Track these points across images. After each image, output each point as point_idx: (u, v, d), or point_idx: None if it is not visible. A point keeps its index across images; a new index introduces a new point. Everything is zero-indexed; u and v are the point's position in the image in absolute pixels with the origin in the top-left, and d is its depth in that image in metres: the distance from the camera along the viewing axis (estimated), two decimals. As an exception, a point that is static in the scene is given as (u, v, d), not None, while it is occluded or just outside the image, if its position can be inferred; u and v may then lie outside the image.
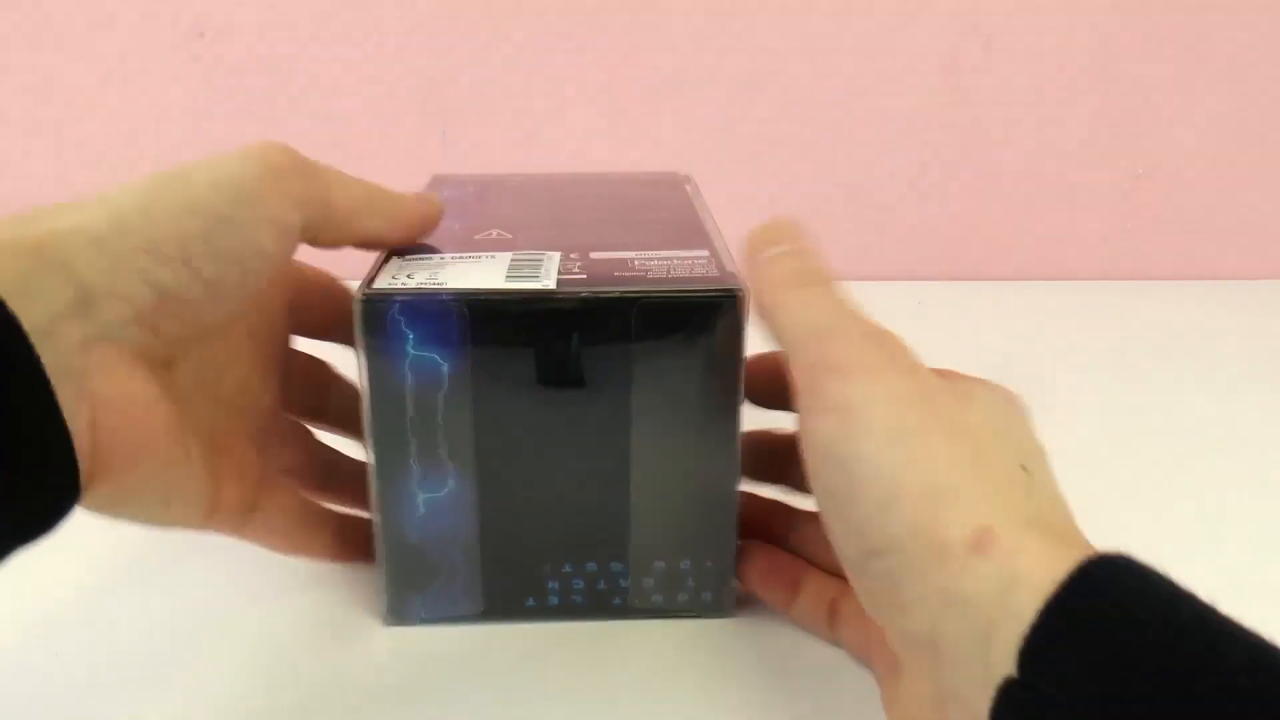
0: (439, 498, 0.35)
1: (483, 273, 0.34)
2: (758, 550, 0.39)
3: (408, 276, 0.34)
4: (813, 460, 0.28)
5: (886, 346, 0.29)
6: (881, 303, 0.68)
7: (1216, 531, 0.47)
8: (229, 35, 0.63)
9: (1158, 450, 0.53)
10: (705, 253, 0.37)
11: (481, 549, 0.36)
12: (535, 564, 0.37)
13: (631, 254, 0.37)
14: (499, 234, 0.39)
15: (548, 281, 0.33)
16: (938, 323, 0.66)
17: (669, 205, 0.46)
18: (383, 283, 0.33)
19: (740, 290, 0.33)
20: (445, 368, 0.34)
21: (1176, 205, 0.74)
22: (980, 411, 0.29)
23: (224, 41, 0.64)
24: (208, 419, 0.33)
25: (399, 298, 0.33)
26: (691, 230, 0.40)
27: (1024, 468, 0.27)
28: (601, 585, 0.38)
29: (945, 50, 0.68)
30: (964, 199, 0.73)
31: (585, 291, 0.33)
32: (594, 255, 0.37)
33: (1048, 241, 0.74)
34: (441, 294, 0.33)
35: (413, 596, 0.37)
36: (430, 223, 0.37)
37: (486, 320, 0.33)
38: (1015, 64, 0.69)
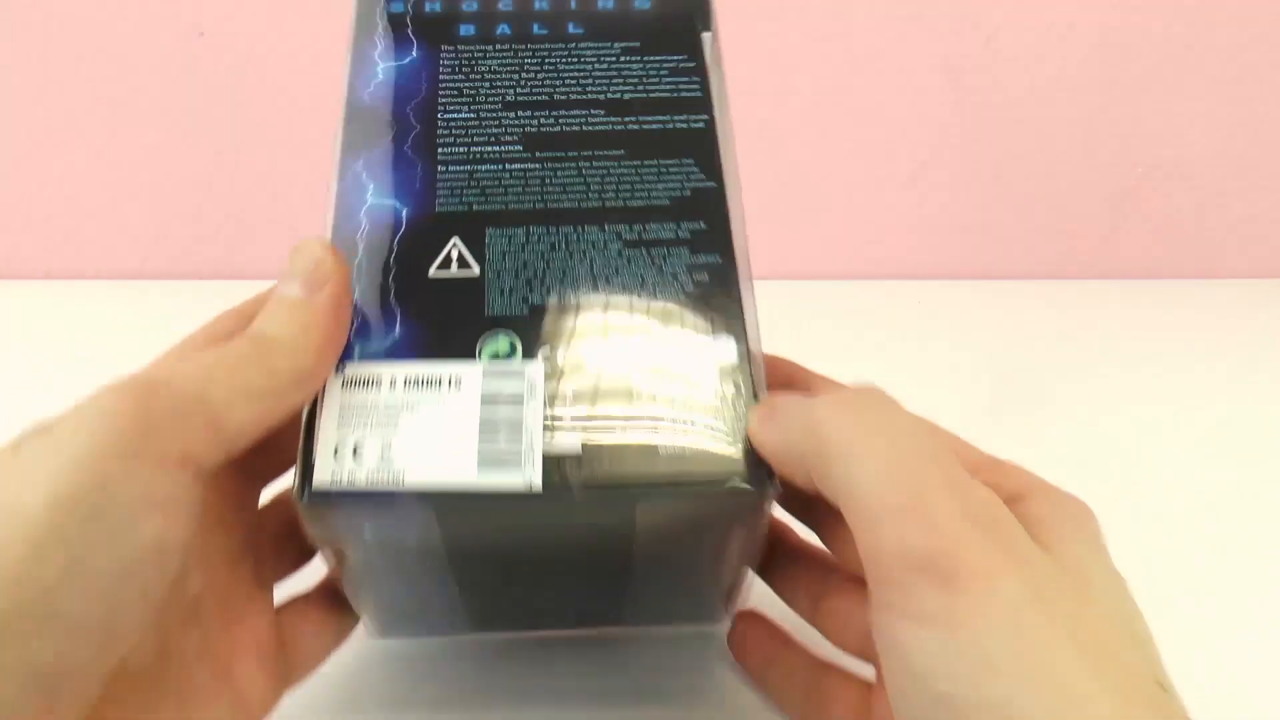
0: (418, 594, 0.33)
1: (448, 436, 0.27)
2: (742, 619, 0.36)
3: (354, 453, 0.27)
4: (899, 677, 0.23)
5: (990, 521, 0.23)
6: (882, 302, 0.69)
7: (1217, 530, 0.47)
8: (229, 35, 0.63)
9: (1157, 449, 0.52)
10: (732, 346, 0.29)
11: (470, 622, 0.35)
12: (527, 627, 0.37)
13: (635, 366, 0.29)
14: (459, 260, 0.31)
15: (532, 472, 0.26)
16: (938, 323, 0.66)
17: (685, 150, 0.33)
18: (324, 468, 0.27)
19: (767, 483, 0.27)
20: (413, 545, 0.28)
21: (1176, 205, 0.73)
22: (1101, 597, 0.24)
23: (224, 41, 0.64)
24: (194, 647, 0.28)
25: (347, 501, 0.26)
26: (720, 268, 0.31)
27: (1160, 684, 0.23)
28: (594, 628, 0.38)
29: (945, 49, 0.68)
30: (963, 198, 0.72)
31: (578, 493, 0.27)
32: (590, 356, 0.29)
33: (1048, 241, 0.74)
34: (401, 494, 0.26)
35: (399, 626, 0.37)
36: (346, 317, 0.28)
37: (460, 523, 0.27)
38: (1015, 63, 0.69)
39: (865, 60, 0.68)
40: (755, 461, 0.27)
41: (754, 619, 0.36)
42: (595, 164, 0.33)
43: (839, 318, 0.63)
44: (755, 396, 0.28)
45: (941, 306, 0.69)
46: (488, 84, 0.35)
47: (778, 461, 0.26)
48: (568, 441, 0.27)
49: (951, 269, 0.74)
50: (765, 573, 0.35)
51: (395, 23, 0.36)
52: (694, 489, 0.27)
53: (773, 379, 0.31)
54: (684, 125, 0.34)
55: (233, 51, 0.63)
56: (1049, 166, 0.71)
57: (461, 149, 0.33)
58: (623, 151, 0.33)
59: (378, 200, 0.32)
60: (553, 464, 0.27)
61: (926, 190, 0.72)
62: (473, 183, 0.32)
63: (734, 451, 0.27)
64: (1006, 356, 0.63)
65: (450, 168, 0.33)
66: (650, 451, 0.27)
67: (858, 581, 0.31)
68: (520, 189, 0.32)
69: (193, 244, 0.67)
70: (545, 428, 0.27)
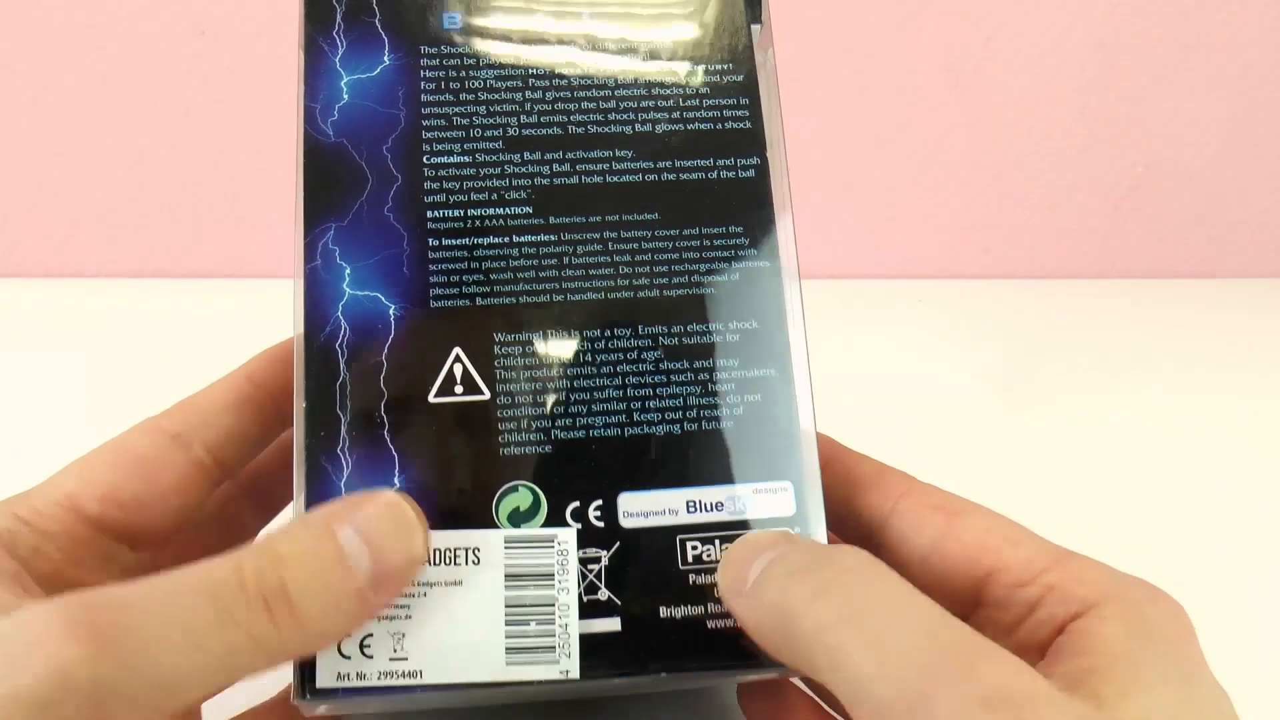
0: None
1: (469, 624, 0.23)
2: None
3: (360, 648, 0.23)
4: None
5: (1017, 705, 0.19)
6: (881, 302, 0.68)
7: (1218, 530, 0.46)
8: (229, 35, 0.63)
9: (1158, 449, 0.52)
10: (788, 494, 0.25)
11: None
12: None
13: (678, 520, 0.25)
14: (464, 380, 0.25)
15: (568, 662, 0.23)
16: (938, 322, 0.66)
17: (732, 211, 0.28)
18: (328, 667, 0.23)
19: None
20: (435, 704, 0.25)
21: (1176, 205, 0.73)
22: None
23: (224, 41, 0.63)
24: None
25: (354, 695, 0.23)
26: (774, 384, 0.26)
27: None
28: None
29: (945, 49, 0.68)
30: (963, 198, 0.72)
31: (620, 683, 0.24)
32: (625, 512, 0.25)
33: (1048, 241, 0.74)
34: (416, 688, 0.23)
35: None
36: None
37: (486, 696, 0.24)
38: (1015, 63, 0.68)
39: (864, 60, 0.67)
40: None
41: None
42: (624, 235, 0.27)
43: (839, 317, 0.62)
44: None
45: (941, 306, 0.68)
46: (484, 108, 0.27)
47: (754, 637, 0.23)
48: (606, 619, 0.24)
49: (951, 269, 0.74)
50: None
51: (357, 7, 0.28)
52: (744, 670, 0.24)
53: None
54: (730, 174, 0.28)
55: (233, 51, 0.63)
56: (1049, 166, 0.71)
57: (456, 212, 0.26)
58: (656, 215, 0.27)
59: (357, 292, 0.26)
60: (590, 646, 0.24)
61: (926, 190, 0.71)
62: (473, 264, 0.26)
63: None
64: (1006, 356, 0.63)
65: (444, 241, 0.26)
66: (697, 627, 0.24)
67: None
68: (533, 274, 0.26)
69: (193, 244, 0.67)
70: (580, 599, 0.24)
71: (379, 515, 0.22)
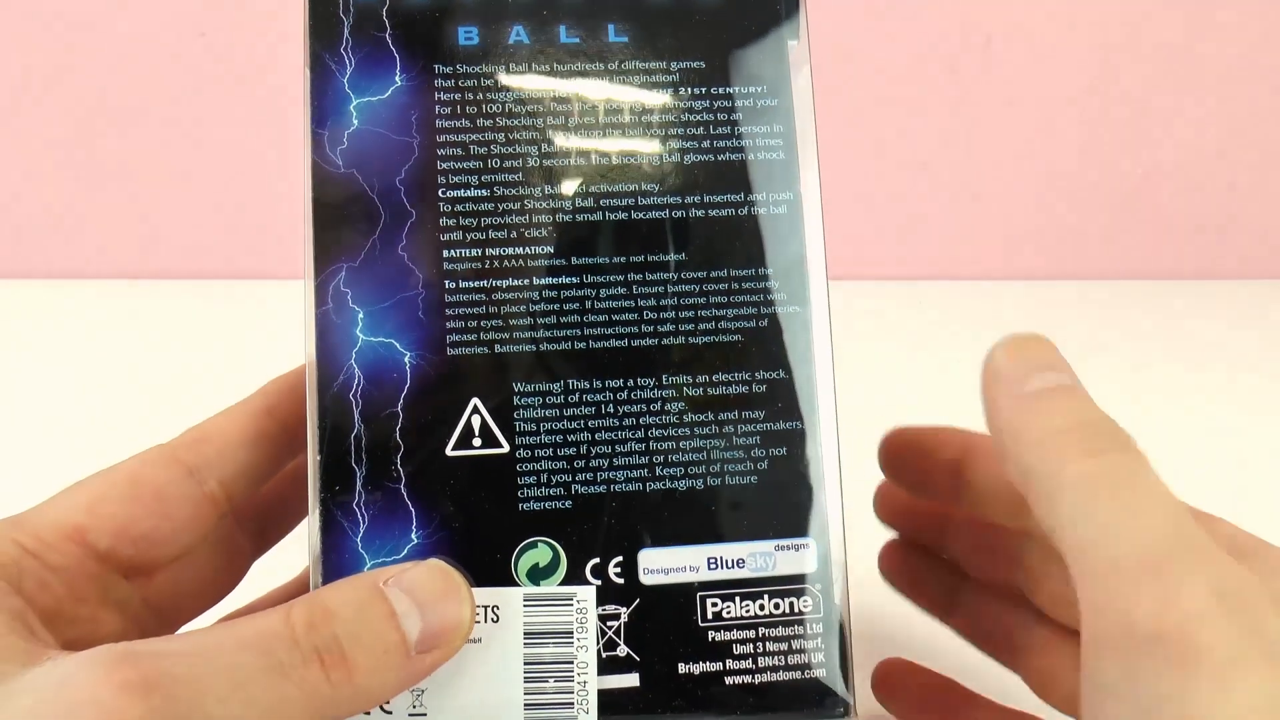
0: None
1: (487, 681, 0.23)
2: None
3: (384, 704, 0.23)
4: None
5: (1244, 605, 0.19)
6: (882, 302, 0.68)
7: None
8: (229, 35, 0.62)
9: (1156, 449, 0.52)
10: (810, 551, 0.25)
11: None
12: None
13: (700, 576, 0.24)
14: (482, 432, 0.24)
15: (586, 719, 0.23)
16: (938, 323, 0.65)
17: (763, 252, 0.26)
18: None
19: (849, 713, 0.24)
20: None
21: (1177, 206, 0.73)
22: None
23: (224, 42, 0.62)
24: None
25: None
26: (798, 438, 0.25)
27: None
28: None
29: (945, 50, 0.67)
30: (964, 199, 0.71)
31: None
32: (646, 569, 0.24)
33: (1048, 241, 0.73)
34: None
35: None
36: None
37: None
38: (1015, 64, 0.68)
39: (865, 61, 0.67)
40: (839, 688, 0.24)
41: (903, 668, 0.30)
42: (649, 278, 0.25)
43: (838, 318, 0.62)
44: (834, 605, 0.25)
45: (941, 307, 0.67)
46: (503, 136, 0.25)
47: (997, 433, 0.22)
48: (624, 675, 0.23)
49: (951, 269, 0.73)
50: (950, 615, 0.30)
51: (365, 21, 0.25)
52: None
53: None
54: (762, 210, 0.26)
55: (233, 52, 0.62)
56: (1049, 167, 0.70)
57: (474, 252, 0.25)
58: (683, 256, 0.25)
59: (371, 338, 0.24)
60: (608, 702, 0.23)
61: (926, 191, 0.71)
62: (492, 308, 0.25)
63: (812, 679, 0.24)
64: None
65: (461, 284, 0.25)
66: (715, 682, 0.24)
67: (1069, 635, 0.26)
68: (554, 319, 0.25)
69: (193, 244, 0.66)
70: (598, 656, 0.23)
71: (427, 578, 0.22)
